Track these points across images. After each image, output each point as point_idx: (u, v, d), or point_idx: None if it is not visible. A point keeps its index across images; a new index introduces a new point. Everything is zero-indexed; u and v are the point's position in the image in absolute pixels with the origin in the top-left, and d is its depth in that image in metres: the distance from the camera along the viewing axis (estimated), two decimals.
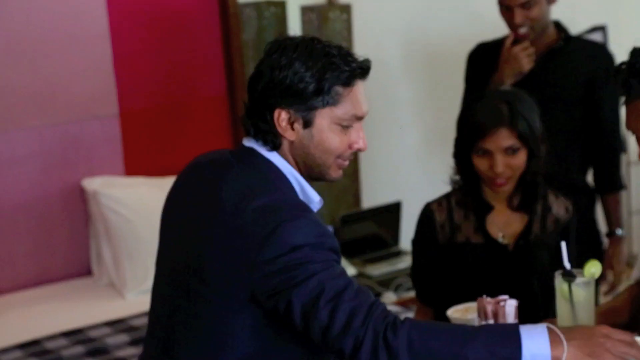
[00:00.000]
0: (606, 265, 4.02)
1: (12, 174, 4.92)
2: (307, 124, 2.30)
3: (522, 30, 3.95)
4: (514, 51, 3.98)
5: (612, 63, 4.02)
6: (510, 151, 2.95)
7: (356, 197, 5.59)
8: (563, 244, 2.68)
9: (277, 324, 2.29)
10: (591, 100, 4.02)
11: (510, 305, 2.55)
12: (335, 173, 2.39)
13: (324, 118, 2.30)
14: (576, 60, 4.07)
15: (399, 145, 5.94)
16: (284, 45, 2.32)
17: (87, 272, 5.19)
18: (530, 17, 3.93)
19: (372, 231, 5.54)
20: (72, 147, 5.06)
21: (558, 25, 4.13)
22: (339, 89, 2.30)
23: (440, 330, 2.22)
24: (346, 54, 2.34)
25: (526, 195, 3.08)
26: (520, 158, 2.97)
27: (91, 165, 5.12)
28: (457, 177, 3.15)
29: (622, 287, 3.67)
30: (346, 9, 5.36)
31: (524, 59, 3.95)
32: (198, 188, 2.42)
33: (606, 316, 2.66)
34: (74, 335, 4.52)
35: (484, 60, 4.17)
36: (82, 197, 5.12)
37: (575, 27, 4.32)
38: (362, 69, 2.34)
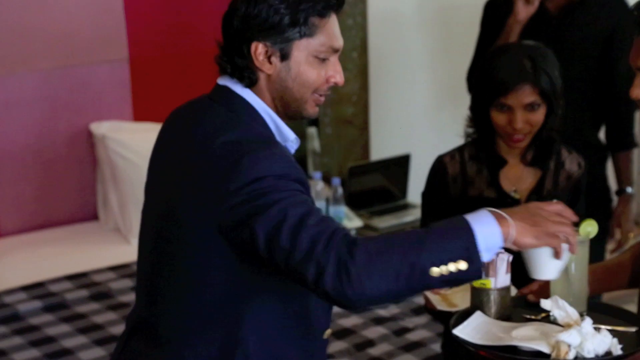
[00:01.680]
0: (614, 223, 4.05)
1: (20, 116, 4.97)
2: (285, 57, 2.30)
3: None
4: None
5: (631, 16, 4.00)
6: (531, 107, 2.93)
7: (365, 149, 5.62)
8: (577, 196, 2.85)
9: (249, 266, 2.29)
10: (608, 56, 3.97)
11: (501, 259, 2.52)
12: (312, 109, 2.40)
13: (301, 50, 2.31)
14: (595, 15, 4.01)
15: (409, 98, 5.91)
16: None
17: (93, 216, 5.30)
18: None
19: (380, 183, 5.55)
20: (80, 91, 5.09)
21: None
22: (314, 19, 2.29)
23: (395, 242, 2.17)
24: None
25: (540, 150, 3.06)
26: (540, 114, 2.94)
27: (99, 109, 5.17)
28: (471, 130, 3.12)
29: (629, 245, 3.68)
30: None
31: (519, 3, 3.91)
32: (176, 134, 2.45)
33: (609, 272, 2.74)
34: (78, 278, 4.62)
35: (500, 10, 4.09)
36: (89, 141, 5.19)
37: None
38: (337, 1, 2.33)
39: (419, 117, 6.01)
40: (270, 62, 2.30)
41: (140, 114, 5.24)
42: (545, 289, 2.62)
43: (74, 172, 5.20)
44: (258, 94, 2.36)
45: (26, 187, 5.07)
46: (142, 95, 5.23)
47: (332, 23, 2.34)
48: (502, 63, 3.01)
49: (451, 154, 3.12)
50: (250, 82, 2.34)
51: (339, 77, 2.36)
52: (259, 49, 2.28)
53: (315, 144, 5.75)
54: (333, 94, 5.35)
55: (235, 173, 2.20)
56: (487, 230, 2.15)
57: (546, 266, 2.26)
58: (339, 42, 2.36)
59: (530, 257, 2.26)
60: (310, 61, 2.33)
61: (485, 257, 2.14)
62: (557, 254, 2.22)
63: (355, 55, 5.51)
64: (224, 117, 2.36)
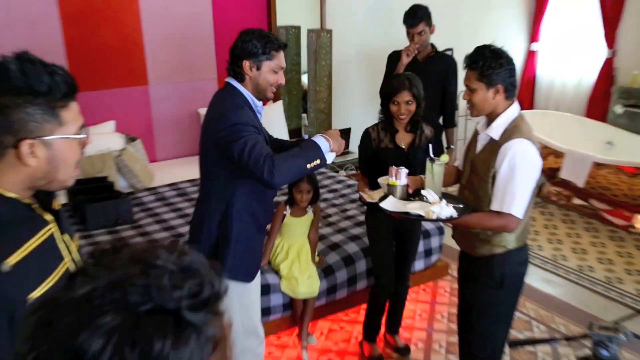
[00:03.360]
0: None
1: (164, 105, 4.95)
2: (258, 69, 2.32)
3: (416, 46, 3.97)
4: (402, 52, 3.98)
5: (456, 65, 4.11)
6: (408, 103, 2.93)
7: (329, 124, 5.55)
8: (430, 146, 2.79)
9: (235, 168, 2.29)
10: (445, 83, 4.07)
11: (403, 171, 2.57)
12: (270, 94, 2.38)
13: (265, 67, 2.32)
14: (440, 63, 4.08)
15: (352, 100, 5.91)
16: (247, 31, 2.35)
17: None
18: (420, 40, 3.97)
19: None
20: (193, 93, 5.05)
21: (432, 45, 4.12)
22: (273, 52, 2.33)
23: (290, 157, 2.22)
24: (276, 37, 2.36)
25: (413, 125, 3.02)
26: (413, 106, 2.94)
27: (203, 102, 4.96)
28: (381, 116, 3.08)
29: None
30: (329, 32, 5.26)
31: (403, 55, 3.93)
32: (209, 106, 2.44)
33: (448, 175, 2.70)
34: (193, 181, 4.64)
35: (394, 58, 4.12)
36: (198, 118, 5.12)
37: (438, 47, 4.39)
38: (284, 45, 2.37)
39: (356, 110, 5.90)
40: (251, 70, 2.32)
41: None
42: (418, 186, 2.63)
43: (190, 132, 5.09)
44: (245, 85, 2.35)
45: (169, 140, 5.06)
46: None
47: (282, 55, 2.36)
48: (395, 80, 2.97)
49: (372, 127, 3.09)
50: (241, 80, 2.35)
51: (282, 81, 2.38)
52: (246, 64, 2.32)
53: (305, 121, 5.65)
54: (315, 98, 5.32)
55: (225, 121, 2.23)
56: (324, 145, 2.26)
57: (331, 158, 2.30)
58: (284, 64, 2.37)
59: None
60: (269, 72, 2.33)
61: (327, 158, 2.27)
62: (338, 153, 2.31)
63: (326, 79, 5.35)
64: (223, 96, 2.37)
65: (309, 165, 2.24)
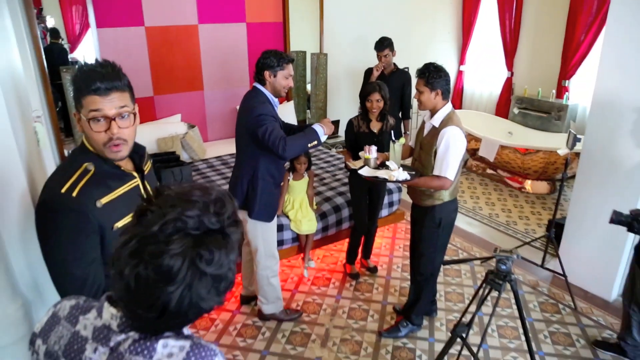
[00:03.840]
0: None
1: (213, 104, 4.69)
2: (275, 76, 2.18)
3: (383, 64, 3.81)
4: (374, 68, 3.83)
5: (410, 78, 3.95)
6: (377, 101, 2.79)
7: (325, 116, 5.21)
8: (392, 132, 2.68)
9: (261, 145, 2.19)
10: (403, 89, 3.87)
11: (374, 148, 2.49)
12: (283, 93, 2.24)
13: (279, 74, 2.18)
14: (400, 77, 3.89)
15: (340, 101, 5.64)
16: (267, 51, 2.22)
17: None
18: (386, 60, 3.79)
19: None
20: (233, 96, 4.72)
21: (394, 64, 3.94)
22: (284, 64, 2.19)
23: (297, 138, 2.12)
24: (286, 54, 2.22)
25: (381, 116, 2.86)
26: (381, 103, 2.78)
27: (239, 101, 4.60)
28: (360, 110, 2.91)
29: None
30: (325, 55, 5.02)
31: (374, 72, 3.77)
32: (242, 103, 2.30)
33: (404, 150, 2.59)
34: (232, 155, 4.37)
35: (368, 73, 3.94)
36: (236, 112, 4.63)
37: (399, 65, 4.28)
38: (292, 59, 2.24)
39: (344, 106, 5.61)
40: (270, 77, 2.19)
41: None
42: (384, 159, 2.52)
43: (231, 121, 4.76)
44: (266, 87, 2.21)
45: (216, 126, 4.77)
46: None
47: (290, 67, 2.22)
48: (369, 86, 2.81)
49: (354, 117, 2.92)
50: (263, 84, 2.21)
51: (291, 84, 2.24)
52: (266, 73, 2.19)
53: (309, 115, 5.48)
54: (315, 99, 5.16)
55: (252, 112, 2.13)
56: (320, 130, 2.17)
57: (324, 138, 2.20)
58: (292, 73, 2.23)
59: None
60: (282, 78, 2.20)
61: (321, 139, 2.15)
62: (329, 134, 2.26)
63: (323, 87, 5.10)
64: (252, 95, 2.23)
65: (309, 144, 2.15)
